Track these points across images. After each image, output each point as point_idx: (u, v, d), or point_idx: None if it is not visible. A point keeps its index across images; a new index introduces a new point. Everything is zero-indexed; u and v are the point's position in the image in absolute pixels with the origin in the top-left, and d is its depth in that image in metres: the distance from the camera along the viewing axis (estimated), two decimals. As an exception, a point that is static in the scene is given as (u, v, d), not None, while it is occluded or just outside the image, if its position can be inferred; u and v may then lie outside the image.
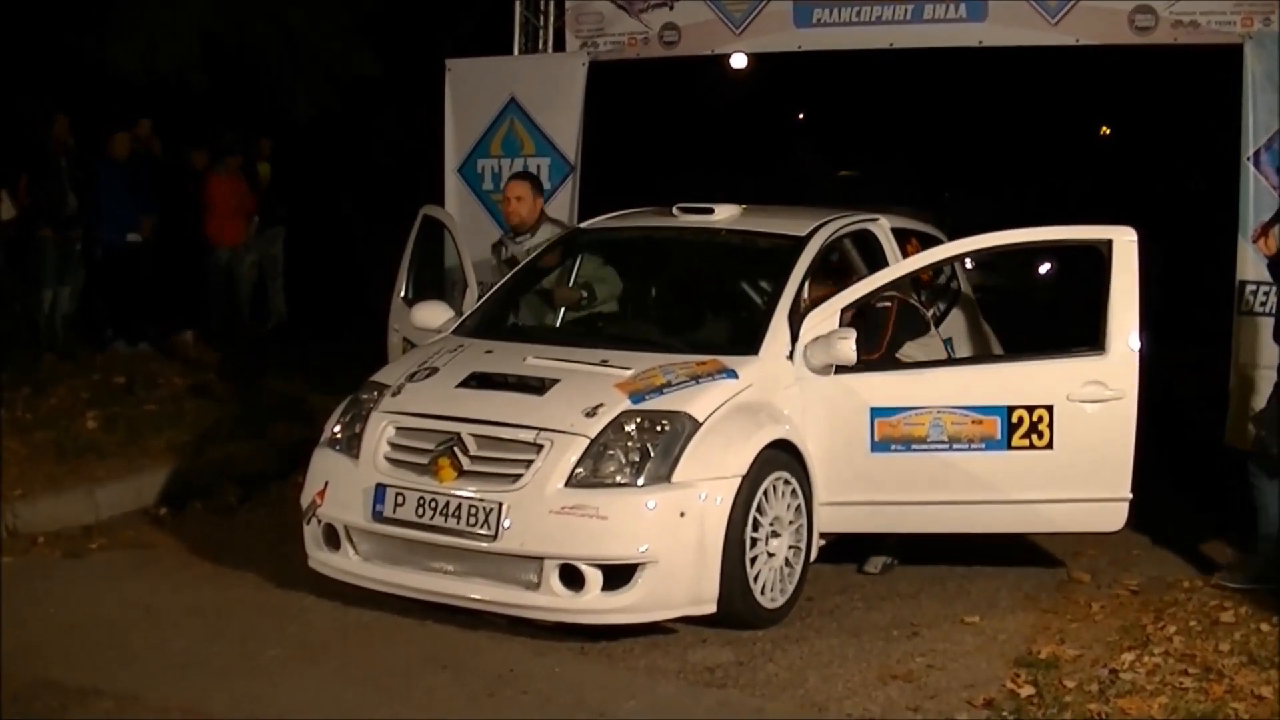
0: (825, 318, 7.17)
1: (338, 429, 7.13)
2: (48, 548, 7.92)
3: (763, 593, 6.61)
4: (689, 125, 22.97)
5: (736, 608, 6.49)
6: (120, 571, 7.56)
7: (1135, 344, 6.96)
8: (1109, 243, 7.09)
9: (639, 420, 6.50)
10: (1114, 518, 7.09)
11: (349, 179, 16.49)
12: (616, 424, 6.49)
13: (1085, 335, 7.14)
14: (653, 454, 6.40)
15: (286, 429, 10.15)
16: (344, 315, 13.98)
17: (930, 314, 8.37)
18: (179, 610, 6.89)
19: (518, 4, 11.14)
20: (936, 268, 8.80)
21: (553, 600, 6.33)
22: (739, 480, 6.46)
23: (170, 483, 8.97)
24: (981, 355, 8.74)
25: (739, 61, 11.35)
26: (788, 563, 6.79)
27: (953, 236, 8.28)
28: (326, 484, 6.91)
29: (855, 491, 7.11)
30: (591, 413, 6.52)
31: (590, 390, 6.70)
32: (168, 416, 10.19)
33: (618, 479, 6.37)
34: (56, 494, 8.46)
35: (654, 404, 6.59)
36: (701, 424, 6.53)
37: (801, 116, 28.71)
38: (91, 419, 9.93)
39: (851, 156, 27.06)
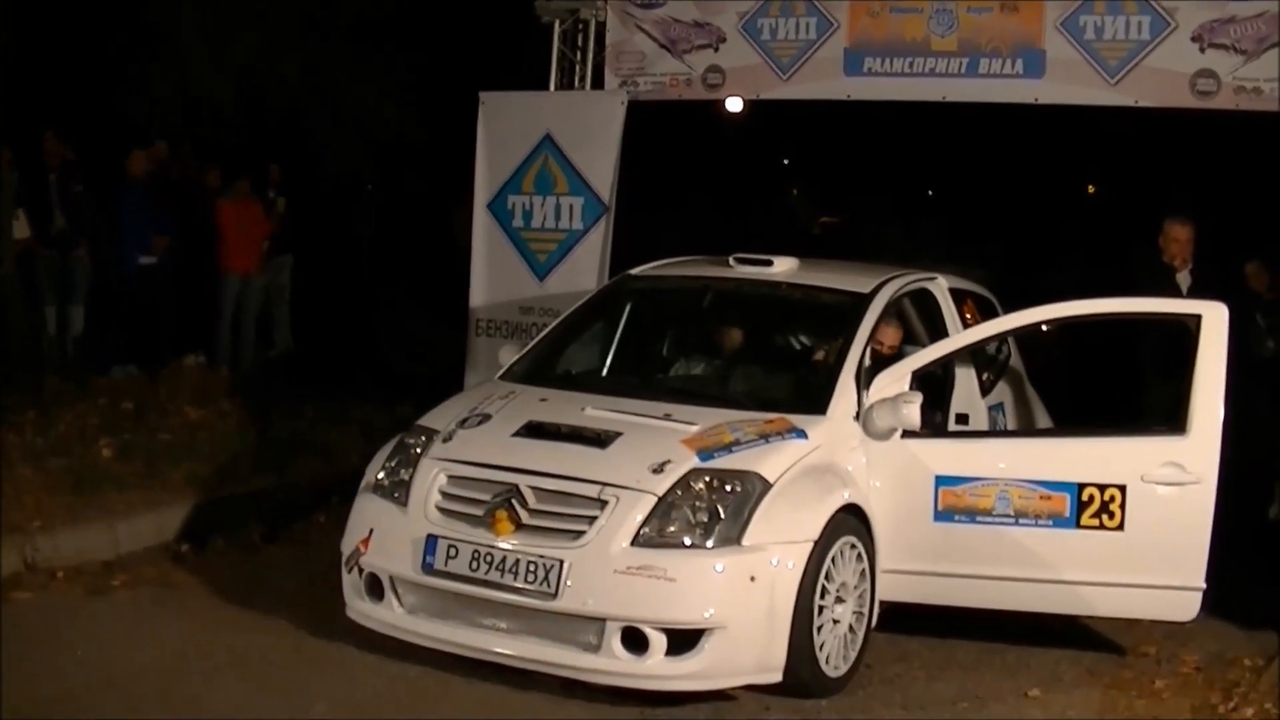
0: (894, 380, 6.96)
1: (382, 474, 6.86)
2: (68, 583, 7.61)
3: (827, 661, 6.38)
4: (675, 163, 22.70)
5: (802, 676, 6.25)
6: (147, 613, 7.27)
7: (1219, 427, 6.67)
8: (1198, 318, 6.79)
9: (708, 479, 6.26)
10: (1185, 608, 6.80)
11: (368, 210, 16.23)
12: (684, 482, 6.25)
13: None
14: (723, 515, 6.16)
15: (306, 464, 9.86)
16: (351, 348, 13.72)
17: (984, 379, 8.17)
18: (217, 659, 6.61)
19: (556, 40, 10.90)
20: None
21: (613, 664, 6.07)
22: (811, 545, 6.23)
23: (191, 517, 8.67)
24: (1052, 428, 8.52)
25: (734, 105, 11.06)
26: (851, 629, 6.55)
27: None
28: (371, 532, 6.64)
29: (917, 560, 6.90)
30: (658, 469, 6.28)
31: (655, 445, 6.46)
32: (184, 447, 9.84)
33: (686, 540, 6.12)
34: (75, 526, 8.11)
35: (723, 462, 6.35)
36: (772, 485, 6.29)
37: (786, 161, 28.41)
38: (105, 447, 9.56)
39: (837, 202, 26.82)
